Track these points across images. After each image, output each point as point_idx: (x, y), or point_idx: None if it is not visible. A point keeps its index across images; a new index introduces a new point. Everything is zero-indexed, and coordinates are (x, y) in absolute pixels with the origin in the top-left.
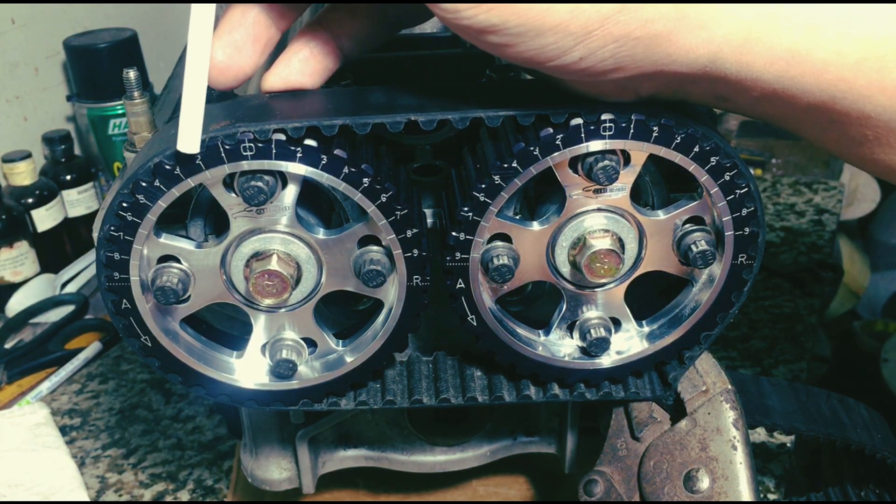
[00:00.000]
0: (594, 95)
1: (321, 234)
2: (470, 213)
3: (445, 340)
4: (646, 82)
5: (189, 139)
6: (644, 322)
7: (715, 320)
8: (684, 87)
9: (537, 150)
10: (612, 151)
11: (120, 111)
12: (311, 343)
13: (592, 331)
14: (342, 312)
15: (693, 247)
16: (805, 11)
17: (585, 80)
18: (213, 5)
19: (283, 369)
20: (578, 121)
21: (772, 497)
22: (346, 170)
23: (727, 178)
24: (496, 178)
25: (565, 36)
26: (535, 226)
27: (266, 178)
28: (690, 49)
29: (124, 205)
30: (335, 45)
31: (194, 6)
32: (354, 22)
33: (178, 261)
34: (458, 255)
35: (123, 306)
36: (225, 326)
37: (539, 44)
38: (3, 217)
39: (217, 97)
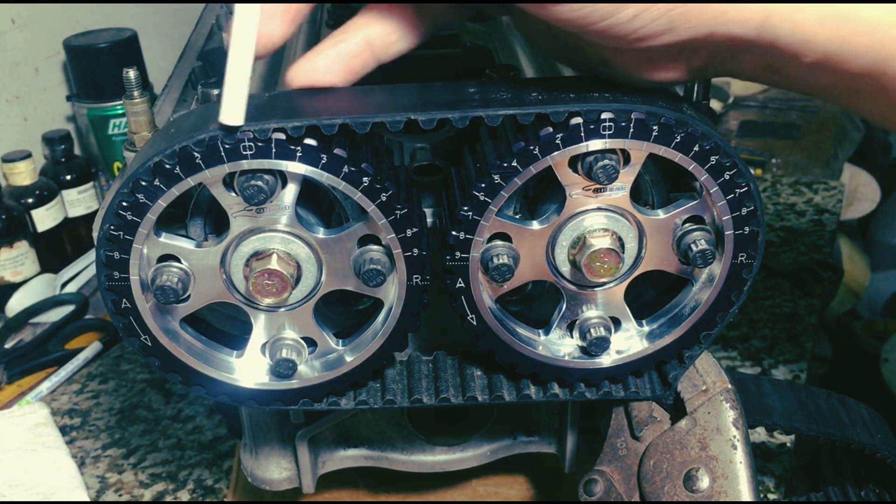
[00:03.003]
0: (640, 78)
1: (321, 233)
2: (470, 213)
3: (445, 340)
4: (696, 52)
5: (232, 111)
6: (644, 321)
7: (715, 320)
8: (735, 58)
9: (537, 149)
10: (612, 151)
11: (120, 111)
12: (311, 342)
13: (592, 330)
14: (342, 312)
15: (693, 246)
16: None
17: (636, 48)
18: None
19: (283, 369)
20: (578, 120)
21: (772, 497)
22: (345, 169)
23: (727, 177)
24: (496, 177)
25: None
26: (535, 225)
27: (266, 177)
28: (744, 6)
29: (124, 204)
30: (366, 47)
31: None
32: (388, 23)
33: (178, 260)
34: (457, 254)
35: (123, 306)
36: (225, 326)
37: None
38: (3, 217)
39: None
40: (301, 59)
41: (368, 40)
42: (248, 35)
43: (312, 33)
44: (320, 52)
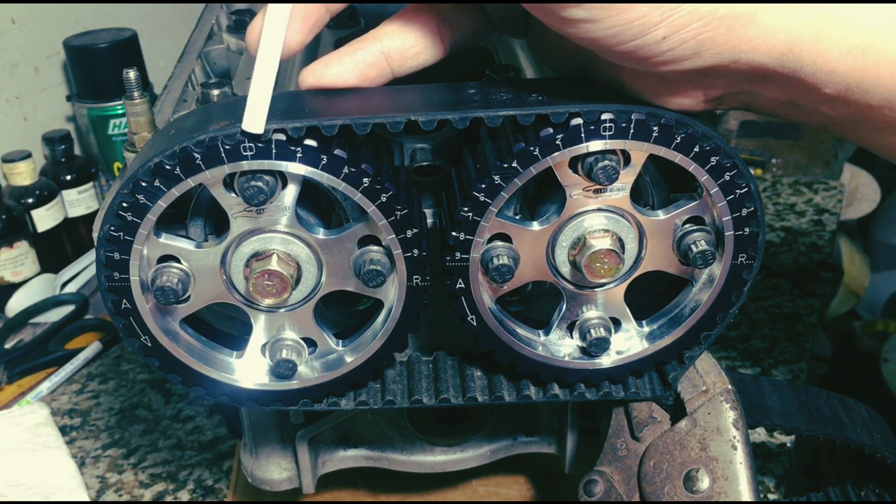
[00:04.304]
0: (655, 99)
1: (321, 233)
2: (470, 213)
3: (445, 340)
4: (716, 80)
5: (255, 119)
6: (644, 322)
7: (715, 320)
8: (754, 89)
9: (537, 149)
10: (612, 151)
11: (120, 111)
12: (311, 343)
13: (592, 331)
14: (342, 312)
15: (693, 247)
16: (884, 3)
17: (657, 72)
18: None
19: (283, 369)
20: (578, 121)
21: (772, 497)
22: (346, 170)
23: (727, 178)
24: (496, 177)
25: (653, 8)
26: (535, 226)
27: (266, 177)
28: (771, 32)
29: (124, 205)
30: (382, 58)
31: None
32: (408, 36)
33: (178, 261)
34: (458, 254)
35: (123, 306)
36: (225, 326)
37: (626, 18)
38: (3, 217)
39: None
40: (316, 62)
41: (386, 51)
42: (274, 50)
43: None
44: (336, 57)
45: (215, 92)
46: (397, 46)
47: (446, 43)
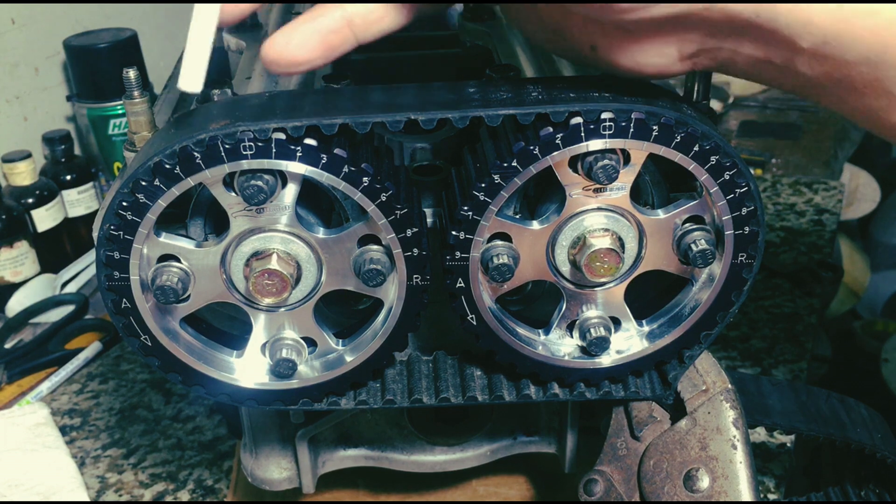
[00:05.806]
0: (629, 66)
1: (321, 233)
2: (470, 213)
3: (445, 340)
4: (690, 33)
5: (191, 78)
6: (644, 321)
7: (715, 319)
8: (730, 44)
9: (537, 149)
10: (612, 150)
11: (120, 111)
12: (310, 342)
13: (592, 330)
14: (342, 312)
15: (693, 246)
16: None
17: (627, 23)
18: None
19: (282, 369)
20: (578, 120)
21: (772, 497)
22: (345, 169)
23: (727, 177)
24: (496, 177)
25: None
26: (535, 225)
27: (266, 177)
28: None
29: (124, 204)
30: (345, 24)
31: None
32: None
33: (178, 260)
34: (457, 254)
35: (123, 305)
36: (225, 326)
37: None
38: (3, 217)
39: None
40: (276, 33)
41: (348, 17)
42: (211, 5)
43: (288, 12)
44: (297, 27)
45: (216, 92)
46: (360, 11)
47: (410, 7)
